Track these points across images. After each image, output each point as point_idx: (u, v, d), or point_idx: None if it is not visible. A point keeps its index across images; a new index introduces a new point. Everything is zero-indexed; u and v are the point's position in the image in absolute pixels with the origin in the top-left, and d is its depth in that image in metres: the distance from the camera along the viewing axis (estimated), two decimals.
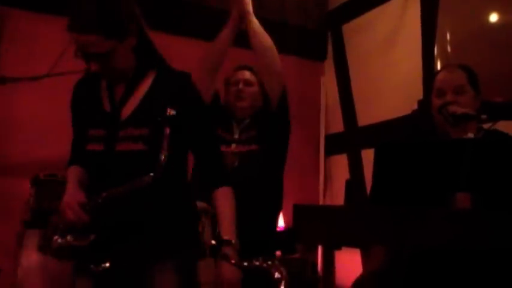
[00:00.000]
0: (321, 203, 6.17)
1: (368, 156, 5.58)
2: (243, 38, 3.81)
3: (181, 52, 5.53)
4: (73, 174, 2.59)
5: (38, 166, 4.66)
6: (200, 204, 3.06)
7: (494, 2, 4.61)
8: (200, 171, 2.65)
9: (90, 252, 2.45)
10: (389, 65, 5.60)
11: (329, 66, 6.45)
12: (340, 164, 6.10)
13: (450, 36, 4.78)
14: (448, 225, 2.06)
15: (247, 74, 3.86)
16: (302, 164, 6.09)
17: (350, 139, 6.07)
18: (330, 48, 6.51)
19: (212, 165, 2.64)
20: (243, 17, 3.76)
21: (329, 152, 6.30)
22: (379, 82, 5.68)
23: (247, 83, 3.82)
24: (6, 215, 4.57)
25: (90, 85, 2.64)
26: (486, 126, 2.86)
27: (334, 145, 6.24)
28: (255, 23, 3.75)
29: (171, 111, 2.41)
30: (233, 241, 2.57)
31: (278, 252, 4.86)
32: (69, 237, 2.44)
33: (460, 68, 3.10)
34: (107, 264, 2.43)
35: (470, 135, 2.70)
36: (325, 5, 6.56)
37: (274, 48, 3.73)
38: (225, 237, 2.56)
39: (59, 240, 2.45)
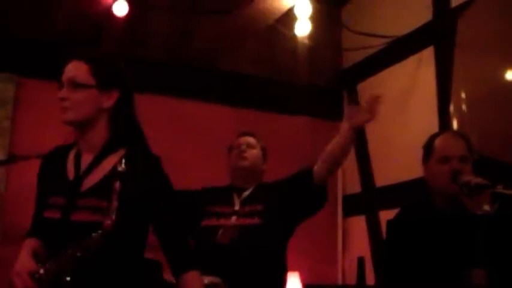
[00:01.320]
0: (339, 264, 6.09)
1: (386, 217, 5.49)
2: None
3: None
4: (28, 244, 2.47)
5: None
6: (212, 278, 3.00)
7: (510, 61, 4.57)
8: (166, 255, 2.53)
9: None
10: (404, 124, 5.54)
11: None
12: (359, 225, 6.01)
13: (465, 94, 4.74)
14: None
15: (249, 139, 3.87)
16: (320, 224, 6.00)
17: (368, 200, 5.99)
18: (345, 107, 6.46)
19: (179, 249, 2.54)
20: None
21: (347, 213, 6.22)
22: (395, 142, 5.62)
23: (250, 146, 3.83)
24: None
25: (59, 156, 2.59)
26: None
27: (352, 206, 6.17)
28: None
29: (120, 167, 2.34)
30: None
31: None
32: None
33: (460, 136, 3.07)
34: None
35: (486, 207, 2.61)
36: (339, 64, 6.55)
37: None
38: None
39: None
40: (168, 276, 2.91)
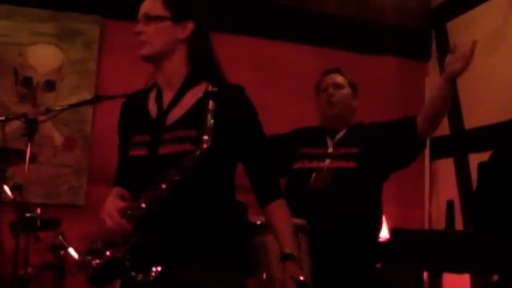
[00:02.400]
0: (426, 208, 5.99)
1: (476, 160, 5.36)
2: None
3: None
4: (114, 191, 2.46)
5: None
6: (297, 220, 2.96)
7: None
8: (253, 185, 2.52)
9: (132, 262, 2.30)
10: (496, 65, 5.33)
11: (433, 66, 6.21)
12: (447, 168, 5.88)
13: None
14: None
15: (336, 77, 3.72)
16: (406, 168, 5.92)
17: (456, 143, 5.82)
18: (433, 47, 6.27)
19: (266, 179, 2.52)
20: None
21: (434, 156, 6.06)
22: (487, 83, 5.41)
23: (337, 86, 3.68)
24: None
25: (139, 98, 2.60)
26: None
27: (440, 149, 5.99)
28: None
29: (211, 88, 2.37)
30: (295, 255, 2.44)
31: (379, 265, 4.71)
32: (108, 252, 2.30)
33: None
34: (158, 269, 2.29)
35: None
36: (427, 2, 6.34)
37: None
38: (287, 251, 2.43)
39: (97, 261, 2.31)
40: (253, 217, 2.90)
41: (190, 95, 2.46)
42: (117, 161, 2.60)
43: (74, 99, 4.79)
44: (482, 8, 5.56)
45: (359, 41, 5.99)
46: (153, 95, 2.54)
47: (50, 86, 5.13)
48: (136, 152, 2.43)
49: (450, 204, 2.66)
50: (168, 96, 2.50)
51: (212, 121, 2.29)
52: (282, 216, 2.49)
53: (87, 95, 4.97)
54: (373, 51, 5.99)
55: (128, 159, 2.48)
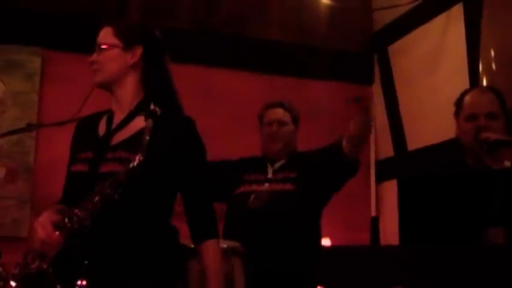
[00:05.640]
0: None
1: None
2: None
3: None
4: (54, 206, 2.47)
5: None
6: (230, 243, 2.99)
7: None
8: (188, 220, 2.56)
9: (59, 275, 2.28)
10: (435, 85, 5.41)
11: (377, 89, 6.28)
12: (392, 190, 5.92)
13: (494, 52, 4.60)
14: (481, 262, 1.93)
15: (280, 113, 3.78)
16: (352, 191, 5.92)
17: (400, 164, 5.89)
18: (376, 71, 6.35)
19: (202, 216, 2.55)
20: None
21: (380, 178, 6.12)
22: (428, 103, 5.50)
23: (281, 123, 3.75)
24: None
25: (93, 119, 2.65)
26: None
27: (385, 171, 6.07)
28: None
29: (152, 107, 2.39)
30: None
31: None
32: (37, 262, 2.28)
33: (491, 91, 2.97)
34: (84, 282, 2.29)
35: (507, 163, 2.55)
36: (369, 27, 6.42)
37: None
38: None
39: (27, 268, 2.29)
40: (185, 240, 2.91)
41: (139, 120, 2.49)
42: (61, 192, 2.60)
43: None
44: (420, 29, 5.65)
45: (302, 66, 6.02)
46: (105, 117, 2.61)
47: None
48: (77, 168, 2.48)
49: (374, 220, 2.70)
50: (118, 119, 2.56)
51: (147, 138, 2.32)
52: (214, 259, 2.52)
53: None
54: (316, 76, 6.03)
55: (69, 174, 2.53)
